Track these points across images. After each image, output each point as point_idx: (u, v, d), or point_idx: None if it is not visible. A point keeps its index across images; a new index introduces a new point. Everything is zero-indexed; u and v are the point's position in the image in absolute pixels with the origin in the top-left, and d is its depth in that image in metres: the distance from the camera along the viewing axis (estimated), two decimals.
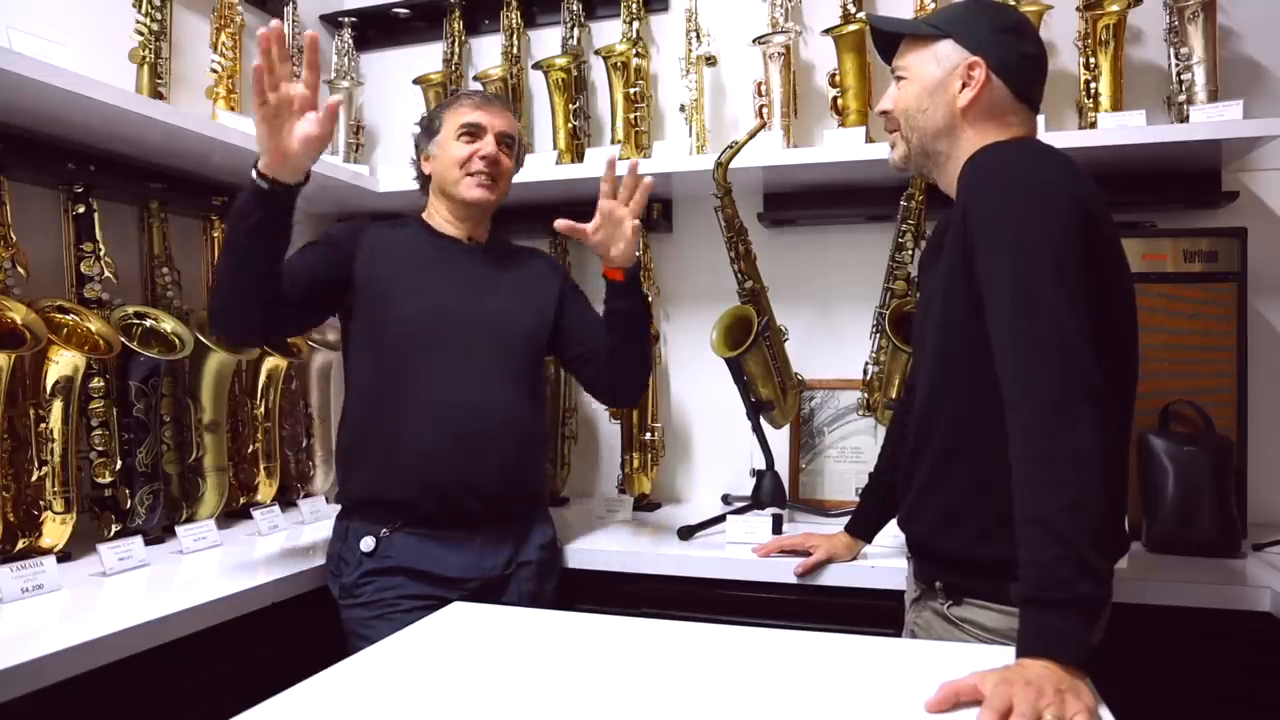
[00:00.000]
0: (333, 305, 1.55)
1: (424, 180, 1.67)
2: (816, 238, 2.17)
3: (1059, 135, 1.71)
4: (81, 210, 1.64)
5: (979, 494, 1.11)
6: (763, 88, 2.03)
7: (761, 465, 1.88)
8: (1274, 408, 1.85)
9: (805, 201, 2.10)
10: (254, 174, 1.28)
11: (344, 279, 1.52)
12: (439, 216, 1.63)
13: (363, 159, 2.43)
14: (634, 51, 2.12)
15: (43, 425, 1.46)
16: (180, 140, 1.68)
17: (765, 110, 2.02)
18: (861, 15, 1.97)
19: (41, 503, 1.45)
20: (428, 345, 1.50)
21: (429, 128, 1.64)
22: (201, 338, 1.77)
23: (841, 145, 1.86)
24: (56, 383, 1.47)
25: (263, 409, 1.97)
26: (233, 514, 1.93)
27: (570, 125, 2.19)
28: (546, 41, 2.34)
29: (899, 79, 1.24)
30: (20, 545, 1.44)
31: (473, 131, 1.57)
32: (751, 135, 1.71)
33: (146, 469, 1.65)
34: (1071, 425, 0.93)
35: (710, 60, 2.10)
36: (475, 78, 2.30)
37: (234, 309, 1.39)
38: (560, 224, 1.41)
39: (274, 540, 1.76)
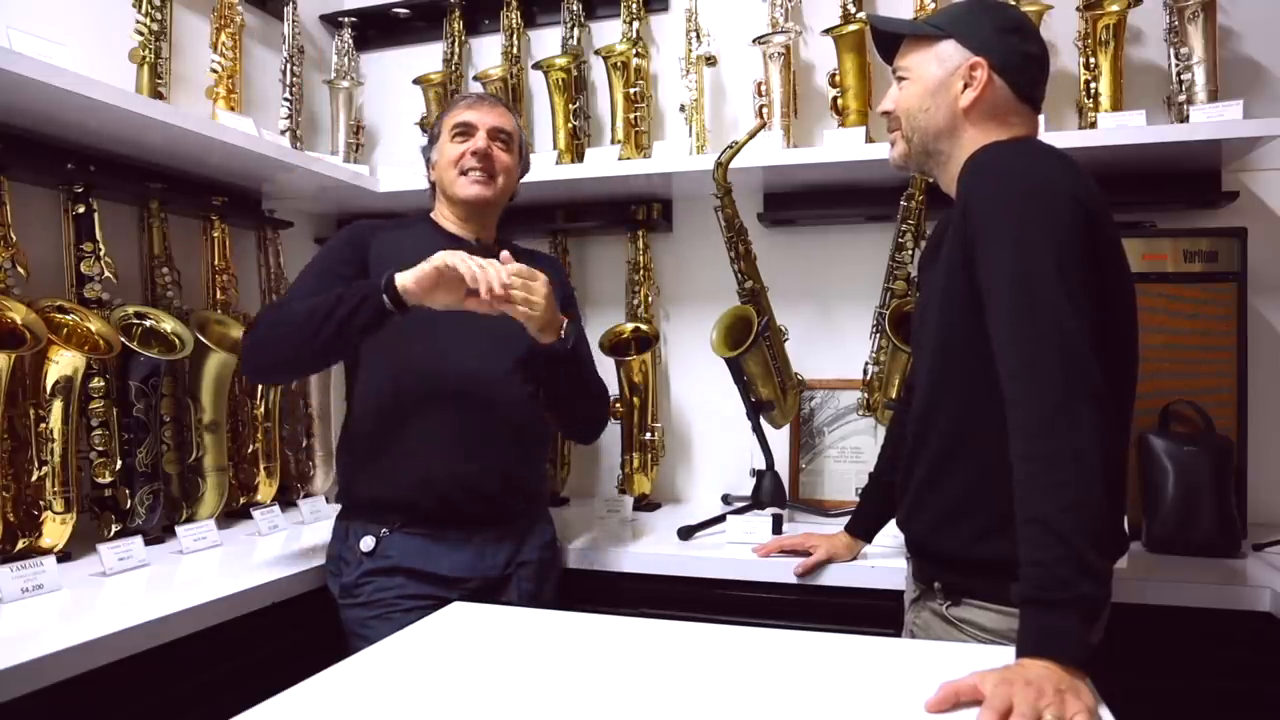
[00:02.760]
0: None
1: (433, 187, 1.66)
2: (816, 238, 2.17)
3: (1059, 135, 1.71)
4: (81, 210, 1.64)
5: (978, 493, 1.11)
6: (763, 88, 2.03)
7: (761, 465, 1.88)
8: (1274, 408, 1.85)
9: (805, 201, 2.10)
10: (388, 296, 1.31)
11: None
12: (445, 219, 1.64)
13: (363, 159, 2.43)
14: (634, 51, 2.12)
15: (43, 425, 1.46)
16: (180, 140, 1.68)
17: (765, 110, 2.02)
18: (861, 15, 1.97)
19: (41, 503, 1.45)
20: (429, 346, 1.50)
21: (431, 136, 1.65)
22: (201, 338, 1.77)
23: (841, 145, 1.86)
24: (56, 383, 1.46)
25: (263, 409, 1.97)
26: (233, 514, 1.93)
27: (570, 125, 2.19)
28: (546, 41, 2.34)
29: (900, 79, 1.23)
30: (20, 545, 1.44)
31: (465, 130, 1.58)
32: (751, 135, 1.70)
33: (146, 469, 1.65)
34: (1073, 425, 0.93)
35: (710, 60, 2.10)
36: (475, 78, 2.30)
37: (289, 367, 1.52)
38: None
39: (274, 540, 1.76)
